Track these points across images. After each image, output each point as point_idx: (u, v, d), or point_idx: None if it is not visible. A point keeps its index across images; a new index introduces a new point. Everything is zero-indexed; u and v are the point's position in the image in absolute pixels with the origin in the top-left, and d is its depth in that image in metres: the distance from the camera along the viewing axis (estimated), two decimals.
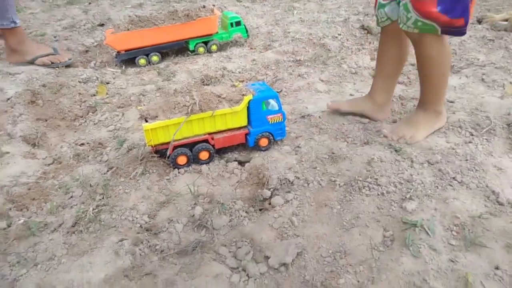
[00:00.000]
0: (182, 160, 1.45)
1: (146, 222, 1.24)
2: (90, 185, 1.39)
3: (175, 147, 1.44)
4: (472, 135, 1.55)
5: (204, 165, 1.48)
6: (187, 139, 1.45)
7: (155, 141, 1.41)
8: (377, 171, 1.37)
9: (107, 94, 2.09)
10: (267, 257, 1.11)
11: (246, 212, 1.28)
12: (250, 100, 1.45)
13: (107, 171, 1.47)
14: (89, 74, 2.24)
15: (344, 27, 2.79)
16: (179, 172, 1.44)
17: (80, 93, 2.04)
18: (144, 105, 1.89)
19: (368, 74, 2.16)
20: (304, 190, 1.33)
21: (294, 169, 1.43)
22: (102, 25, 3.20)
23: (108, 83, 2.21)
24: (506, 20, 2.63)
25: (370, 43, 2.54)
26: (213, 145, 1.48)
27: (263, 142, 1.53)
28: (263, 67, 2.30)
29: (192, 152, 1.46)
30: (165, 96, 1.99)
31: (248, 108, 1.48)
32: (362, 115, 1.72)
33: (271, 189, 1.34)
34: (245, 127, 1.53)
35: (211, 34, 2.52)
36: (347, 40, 2.60)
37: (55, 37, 2.94)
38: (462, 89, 1.95)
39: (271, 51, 2.51)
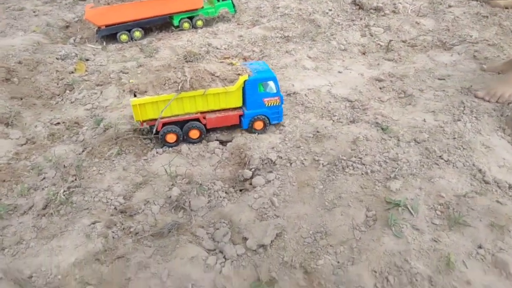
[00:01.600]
0: (171, 138, 1.39)
1: (121, 204, 1.19)
2: (64, 166, 1.33)
3: (165, 124, 1.38)
4: (461, 113, 1.50)
5: (184, 145, 1.42)
6: (178, 116, 1.39)
7: (144, 116, 1.35)
8: (362, 150, 1.32)
9: (86, 71, 2.00)
10: (245, 239, 1.07)
11: (225, 192, 1.23)
12: (245, 81, 1.38)
13: (82, 151, 1.41)
14: (68, 50, 2.14)
15: (335, 2, 2.69)
16: (157, 152, 1.38)
17: (57, 71, 1.95)
18: (134, 79, 1.81)
19: (358, 51, 2.09)
20: (287, 170, 1.28)
21: (277, 148, 1.38)
22: None
23: (87, 60, 2.12)
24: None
25: (361, 19, 2.45)
26: (204, 125, 1.42)
27: (258, 125, 1.45)
28: (249, 43, 2.22)
29: (182, 130, 1.40)
30: (150, 72, 1.91)
31: (243, 89, 1.40)
32: None
33: (253, 169, 1.29)
34: (239, 108, 1.45)
35: (196, 9, 2.42)
36: (338, 15, 2.51)
37: (34, 12, 2.82)
38: (453, 66, 1.90)
39: (258, 27, 2.42)
